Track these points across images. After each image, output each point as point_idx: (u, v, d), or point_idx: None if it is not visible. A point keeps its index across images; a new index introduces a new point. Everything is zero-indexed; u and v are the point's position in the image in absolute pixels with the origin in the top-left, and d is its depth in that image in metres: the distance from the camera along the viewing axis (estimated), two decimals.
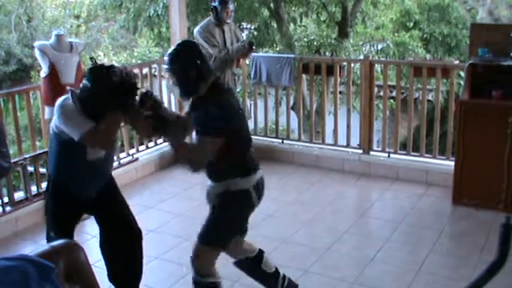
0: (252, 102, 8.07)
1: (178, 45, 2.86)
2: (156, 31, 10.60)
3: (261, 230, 4.26)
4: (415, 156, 5.30)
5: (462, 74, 5.99)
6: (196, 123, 2.82)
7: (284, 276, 3.15)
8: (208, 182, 2.93)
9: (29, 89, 4.71)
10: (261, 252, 3.11)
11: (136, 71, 5.23)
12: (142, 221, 4.37)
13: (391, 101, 8.05)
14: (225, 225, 2.87)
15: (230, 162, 2.79)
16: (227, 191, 2.81)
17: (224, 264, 3.78)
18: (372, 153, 5.50)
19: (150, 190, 5.22)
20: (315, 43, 10.27)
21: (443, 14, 11.55)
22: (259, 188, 2.88)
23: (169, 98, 5.86)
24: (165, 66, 2.81)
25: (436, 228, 4.23)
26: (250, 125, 6.90)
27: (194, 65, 2.73)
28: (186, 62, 2.74)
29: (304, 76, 6.30)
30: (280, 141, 6.02)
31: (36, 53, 4.29)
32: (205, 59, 2.83)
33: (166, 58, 2.81)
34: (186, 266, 3.72)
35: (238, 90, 5.99)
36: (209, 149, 2.69)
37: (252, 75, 5.92)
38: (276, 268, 3.14)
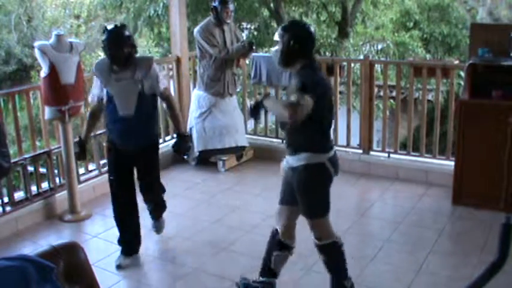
0: (252, 102, 8.06)
1: (294, 22, 3.22)
2: (156, 31, 10.63)
3: (261, 230, 4.26)
4: (415, 156, 5.29)
5: (462, 74, 5.98)
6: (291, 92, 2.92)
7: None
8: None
9: (29, 89, 4.70)
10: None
11: None
12: (142, 221, 4.39)
13: (391, 101, 8.03)
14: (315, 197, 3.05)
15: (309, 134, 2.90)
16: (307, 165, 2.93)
17: (224, 264, 3.79)
18: (372, 153, 5.49)
19: None
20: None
21: (443, 14, 11.57)
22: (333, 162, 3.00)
23: None
24: (279, 32, 2.96)
25: (436, 228, 4.23)
26: (250, 125, 6.97)
27: (298, 41, 2.87)
28: (294, 35, 2.88)
29: None
30: (280, 141, 6.02)
31: (36, 53, 4.28)
32: (309, 42, 2.93)
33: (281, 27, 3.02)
34: (187, 266, 3.75)
35: (238, 90, 5.98)
36: (307, 105, 2.71)
37: (252, 75, 5.92)
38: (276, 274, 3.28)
